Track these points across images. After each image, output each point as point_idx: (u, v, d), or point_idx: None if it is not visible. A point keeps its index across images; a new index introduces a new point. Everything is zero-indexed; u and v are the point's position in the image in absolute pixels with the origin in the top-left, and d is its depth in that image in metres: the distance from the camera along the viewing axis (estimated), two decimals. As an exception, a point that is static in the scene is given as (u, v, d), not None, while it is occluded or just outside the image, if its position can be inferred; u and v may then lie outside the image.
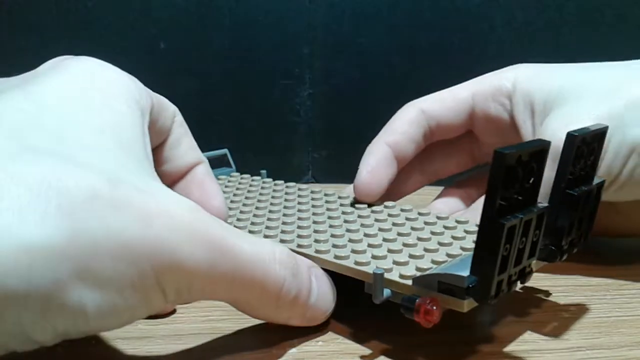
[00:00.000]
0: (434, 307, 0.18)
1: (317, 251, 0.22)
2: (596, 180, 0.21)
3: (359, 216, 0.26)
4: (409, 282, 0.19)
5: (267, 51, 0.47)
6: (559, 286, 0.26)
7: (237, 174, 0.35)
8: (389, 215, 0.26)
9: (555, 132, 0.25)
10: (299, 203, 0.28)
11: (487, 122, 0.30)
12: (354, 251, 0.22)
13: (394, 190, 0.30)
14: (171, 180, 0.24)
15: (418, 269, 0.20)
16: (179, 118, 0.24)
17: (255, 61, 0.47)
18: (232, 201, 0.29)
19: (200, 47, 0.47)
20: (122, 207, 0.16)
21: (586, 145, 0.20)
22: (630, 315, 0.23)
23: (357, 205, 0.27)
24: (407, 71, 0.48)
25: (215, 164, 0.36)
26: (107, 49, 0.45)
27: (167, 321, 0.23)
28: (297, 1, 0.46)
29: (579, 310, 0.24)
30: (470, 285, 0.17)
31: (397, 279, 0.19)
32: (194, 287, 0.17)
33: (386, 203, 0.27)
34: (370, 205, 0.27)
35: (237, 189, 0.31)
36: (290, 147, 0.48)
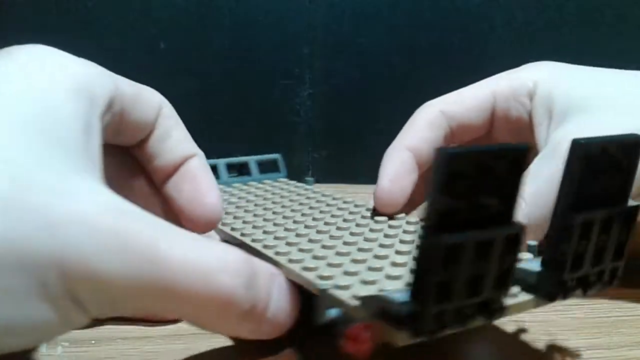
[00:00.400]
0: (365, 335, 0.15)
1: (277, 253, 0.20)
2: (629, 203, 0.17)
3: (371, 229, 0.23)
4: (357, 302, 0.16)
5: (267, 51, 0.47)
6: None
7: (285, 179, 0.34)
8: (404, 231, 0.23)
9: (563, 138, 0.23)
10: (314, 209, 0.26)
11: (506, 122, 0.29)
12: (316, 257, 0.19)
13: (416, 201, 0.28)
14: (164, 175, 0.23)
15: (380, 290, 0.17)
16: (167, 110, 0.23)
17: (255, 61, 0.47)
18: (256, 204, 0.28)
19: (200, 47, 0.47)
20: (23, 210, 0.14)
21: (608, 157, 0.16)
22: (630, 315, 0.23)
23: (376, 218, 0.25)
24: (407, 71, 0.48)
25: (268, 168, 0.35)
26: (107, 49, 0.45)
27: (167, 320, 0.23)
28: (297, 1, 0.46)
29: (578, 311, 0.24)
30: (407, 314, 0.14)
31: (344, 297, 0.16)
32: (117, 299, 0.16)
33: (408, 218, 0.25)
34: (390, 218, 0.25)
35: (273, 194, 0.30)
36: (290, 147, 0.48)
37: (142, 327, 0.22)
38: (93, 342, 0.21)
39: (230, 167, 0.34)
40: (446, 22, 0.47)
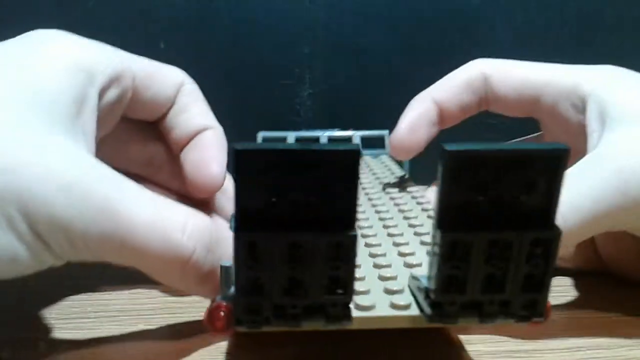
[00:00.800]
0: (222, 314, 0.15)
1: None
2: (542, 233, 0.14)
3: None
4: None
5: (267, 51, 0.47)
6: (558, 286, 0.26)
7: (387, 156, 0.35)
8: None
9: (611, 144, 0.22)
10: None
11: (552, 117, 0.27)
12: None
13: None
14: (179, 146, 0.25)
15: None
16: (187, 87, 0.25)
17: (255, 61, 0.47)
18: None
19: (200, 47, 0.47)
20: None
21: (502, 170, 0.13)
22: (631, 315, 0.23)
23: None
24: (407, 71, 0.48)
25: (374, 143, 0.37)
26: (107, 49, 0.45)
27: (167, 321, 0.23)
28: (297, 1, 0.46)
29: (578, 310, 0.24)
30: (233, 302, 0.15)
31: None
32: (76, 243, 0.17)
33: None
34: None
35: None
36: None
37: (143, 327, 0.22)
38: (93, 342, 0.21)
39: (333, 141, 0.36)
40: (446, 22, 0.47)
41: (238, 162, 0.13)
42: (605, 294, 0.25)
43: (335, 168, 0.13)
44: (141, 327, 0.22)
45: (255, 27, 0.46)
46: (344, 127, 0.42)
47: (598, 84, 0.25)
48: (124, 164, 0.26)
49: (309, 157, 0.13)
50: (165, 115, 0.24)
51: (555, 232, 0.14)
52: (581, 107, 0.25)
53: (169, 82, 0.24)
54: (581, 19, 0.48)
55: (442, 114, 0.27)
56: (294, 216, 0.13)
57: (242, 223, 0.13)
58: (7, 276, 0.18)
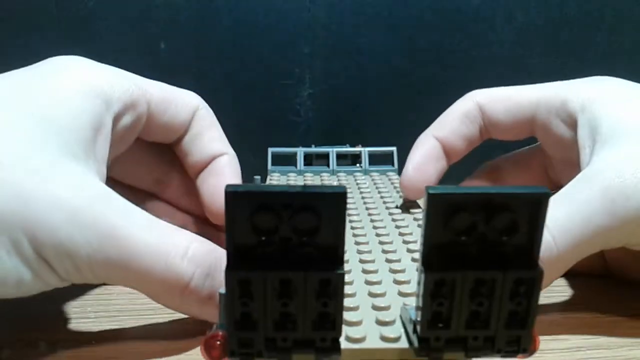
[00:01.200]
0: (217, 343, 0.16)
1: None
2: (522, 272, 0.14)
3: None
4: None
5: (267, 51, 0.47)
6: (558, 286, 0.26)
7: (394, 173, 0.35)
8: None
9: (603, 162, 0.22)
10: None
11: (547, 134, 0.27)
12: None
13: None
14: (196, 171, 0.26)
15: None
16: (202, 112, 0.25)
17: (255, 61, 0.47)
18: None
19: (200, 47, 0.47)
20: (2, 183, 0.17)
21: (486, 213, 0.14)
22: (631, 315, 0.23)
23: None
24: (407, 71, 0.48)
25: (381, 160, 0.37)
26: (107, 49, 0.45)
27: (168, 320, 0.23)
28: (297, 1, 0.46)
29: (578, 311, 0.24)
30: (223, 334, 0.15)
31: None
32: (81, 268, 0.18)
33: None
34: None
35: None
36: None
37: (142, 327, 0.22)
38: (93, 342, 0.21)
39: (341, 157, 0.37)
40: (446, 22, 0.47)
41: (230, 203, 0.13)
42: (605, 294, 0.25)
43: (323, 209, 0.14)
44: (141, 327, 0.22)
45: (255, 27, 0.46)
46: (345, 132, 0.42)
47: (588, 98, 0.25)
48: (136, 181, 0.27)
49: (298, 199, 0.14)
50: (180, 139, 0.25)
51: (538, 271, 0.14)
52: (571, 123, 0.25)
53: (184, 107, 0.25)
54: (581, 19, 0.48)
55: (446, 149, 0.28)
56: (284, 254, 0.14)
57: (234, 261, 0.14)
58: (12, 296, 0.18)
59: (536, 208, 0.14)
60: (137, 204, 0.20)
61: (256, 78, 0.48)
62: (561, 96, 0.26)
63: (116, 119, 0.22)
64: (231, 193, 0.13)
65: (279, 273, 0.14)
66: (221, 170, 0.25)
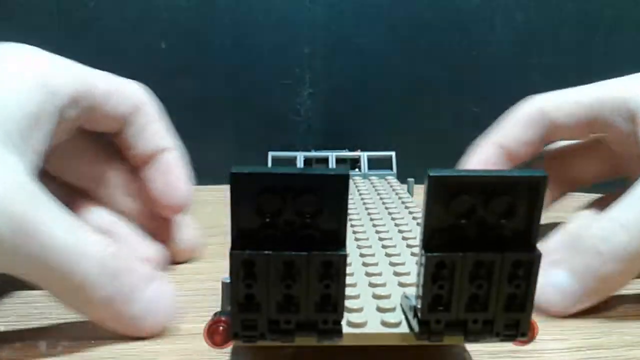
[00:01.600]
0: (221, 328, 0.16)
1: None
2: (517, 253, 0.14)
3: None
4: None
5: (267, 51, 0.47)
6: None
7: (393, 177, 0.36)
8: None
9: None
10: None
11: (611, 133, 0.27)
12: None
13: None
14: (139, 164, 0.26)
15: None
16: (147, 106, 0.25)
17: (255, 61, 0.47)
18: None
19: (200, 47, 0.47)
20: None
21: (486, 196, 0.14)
22: (631, 315, 0.23)
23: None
24: (407, 71, 0.48)
25: (380, 164, 0.37)
26: (108, 49, 0.45)
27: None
28: (297, 1, 0.46)
29: (578, 310, 0.24)
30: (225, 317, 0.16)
31: None
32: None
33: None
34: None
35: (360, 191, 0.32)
36: (290, 147, 0.48)
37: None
38: (93, 342, 0.21)
39: (341, 161, 0.37)
40: (446, 22, 0.47)
41: (234, 185, 0.14)
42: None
43: (326, 191, 0.14)
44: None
45: (255, 27, 0.46)
46: (347, 138, 0.42)
47: None
48: (72, 177, 0.27)
49: (301, 181, 0.14)
50: (123, 131, 0.25)
51: (535, 254, 0.14)
52: (633, 120, 0.25)
53: (127, 99, 0.25)
54: (581, 19, 0.48)
55: (510, 156, 0.28)
56: (287, 236, 0.14)
57: (238, 243, 0.14)
58: None
59: (534, 192, 0.14)
60: (70, 201, 0.20)
61: (256, 78, 0.48)
62: (622, 93, 0.26)
63: (61, 111, 0.22)
64: (234, 175, 0.13)
65: (282, 254, 0.14)
66: (169, 165, 0.25)
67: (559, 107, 0.28)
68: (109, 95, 0.24)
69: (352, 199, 0.30)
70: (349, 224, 0.25)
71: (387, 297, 0.18)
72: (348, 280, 0.18)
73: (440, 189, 0.14)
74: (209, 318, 0.16)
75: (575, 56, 0.48)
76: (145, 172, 0.26)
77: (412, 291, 0.16)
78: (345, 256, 0.14)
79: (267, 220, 0.14)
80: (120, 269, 0.20)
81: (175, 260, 0.29)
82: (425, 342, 0.15)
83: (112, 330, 0.20)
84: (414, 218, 0.27)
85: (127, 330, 0.21)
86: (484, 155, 0.28)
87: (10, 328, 0.22)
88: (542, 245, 0.19)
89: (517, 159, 0.29)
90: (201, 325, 0.22)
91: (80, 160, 0.26)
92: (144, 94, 0.26)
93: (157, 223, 0.28)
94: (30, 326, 0.22)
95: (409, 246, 0.23)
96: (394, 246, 0.23)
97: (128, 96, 0.25)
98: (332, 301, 0.15)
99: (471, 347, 0.20)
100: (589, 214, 0.27)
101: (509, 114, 0.29)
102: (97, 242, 0.20)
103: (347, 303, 0.17)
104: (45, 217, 0.19)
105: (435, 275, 0.14)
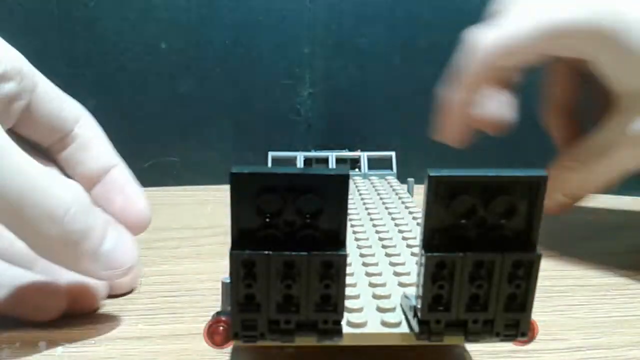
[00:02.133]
0: (221, 328, 0.16)
1: None
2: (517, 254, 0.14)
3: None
4: None
5: (267, 51, 0.47)
6: (558, 286, 0.26)
7: (393, 177, 0.36)
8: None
9: None
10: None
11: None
12: None
13: None
14: (88, 181, 0.25)
15: None
16: (87, 122, 0.25)
17: (255, 61, 0.47)
18: None
19: (200, 47, 0.47)
20: None
21: (485, 196, 0.14)
22: (630, 315, 0.23)
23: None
24: (407, 71, 0.48)
25: (380, 164, 0.37)
26: (107, 49, 0.45)
27: (167, 321, 0.23)
28: (297, 1, 0.46)
29: (579, 311, 0.24)
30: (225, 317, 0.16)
31: None
32: None
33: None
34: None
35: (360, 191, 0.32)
36: (290, 147, 0.48)
37: (142, 327, 0.22)
38: (93, 342, 0.21)
39: (341, 161, 0.37)
40: (446, 22, 0.47)
41: (234, 185, 0.14)
42: (605, 293, 0.25)
43: (326, 191, 0.14)
44: (141, 327, 0.22)
45: (255, 27, 0.47)
46: (347, 136, 0.42)
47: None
48: None
49: (301, 181, 0.14)
50: (66, 146, 0.25)
51: (536, 254, 0.14)
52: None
53: (67, 109, 0.24)
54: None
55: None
56: (287, 236, 0.14)
57: (238, 242, 0.14)
58: None
59: (534, 191, 0.14)
60: None
61: (256, 78, 0.48)
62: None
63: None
64: (234, 174, 0.13)
65: (282, 254, 0.14)
66: (123, 185, 0.25)
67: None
68: (50, 96, 0.23)
69: (352, 199, 0.30)
70: (349, 224, 0.25)
71: (387, 297, 0.18)
72: (348, 280, 0.18)
73: (440, 189, 0.14)
74: (209, 318, 0.16)
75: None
76: (98, 191, 0.25)
77: (412, 291, 0.16)
78: (345, 256, 0.14)
79: (267, 220, 0.14)
80: (92, 205, 0.20)
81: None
82: (425, 342, 0.15)
83: (85, 272, 0.20)
84: (414, 218, 0.27)
85: (100, 266, 0.20)
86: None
87: (10, 328, 0.22)
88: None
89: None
90: (201, 325, 0.22)
91: None
92: (84, 110, 0.25)
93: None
94: (30, 326, 0.22)
95: (409, 246, 0.23)
96: (394, 246, 0.23)
97: (69, 107, 0.24)
98: (332, 301, 0.15)
99: (471, 347, 0.20)
100: None
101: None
102: (69, 181, 0.20)
103: (347, 303, 0.17)
104: (20, 159, 0.19)
105: (435, 275, 0.14)
